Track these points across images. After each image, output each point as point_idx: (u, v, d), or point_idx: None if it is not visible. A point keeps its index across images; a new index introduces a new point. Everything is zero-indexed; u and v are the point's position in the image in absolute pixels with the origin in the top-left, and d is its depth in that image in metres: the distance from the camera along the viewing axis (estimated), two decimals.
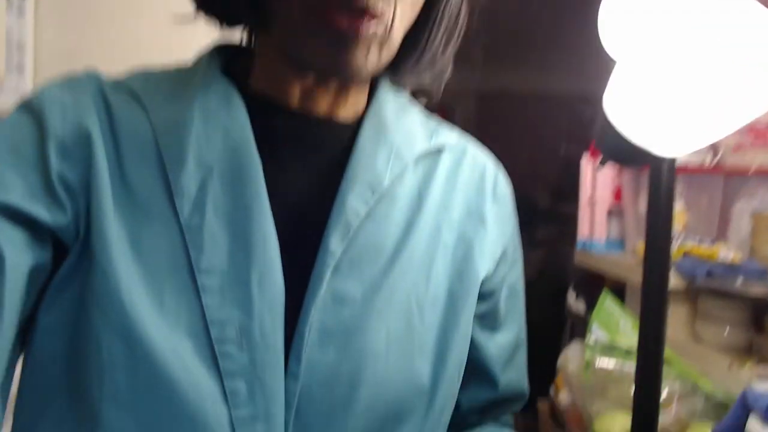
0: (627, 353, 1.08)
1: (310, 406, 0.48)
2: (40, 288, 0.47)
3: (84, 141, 0.48)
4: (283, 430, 0.47)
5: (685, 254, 1.28)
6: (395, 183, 0.54)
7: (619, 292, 1.45)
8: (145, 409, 0.45)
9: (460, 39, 0.58)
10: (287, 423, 0.47)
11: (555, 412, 1.22)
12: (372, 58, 0.49)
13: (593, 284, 1.67)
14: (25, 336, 0.48)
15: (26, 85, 1.27)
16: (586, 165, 1.48)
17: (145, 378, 0.44)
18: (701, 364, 1.14)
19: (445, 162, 0.59)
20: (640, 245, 1.29)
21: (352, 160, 0.53)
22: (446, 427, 0.57)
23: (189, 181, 0.48)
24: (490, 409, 0.65)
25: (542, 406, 1.37)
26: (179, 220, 0.48)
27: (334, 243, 0.50)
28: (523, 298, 0.66)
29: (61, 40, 1.30)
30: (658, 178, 0.64)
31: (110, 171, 0.48)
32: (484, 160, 0.63)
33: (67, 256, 0.47)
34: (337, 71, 0.50)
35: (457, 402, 0.58)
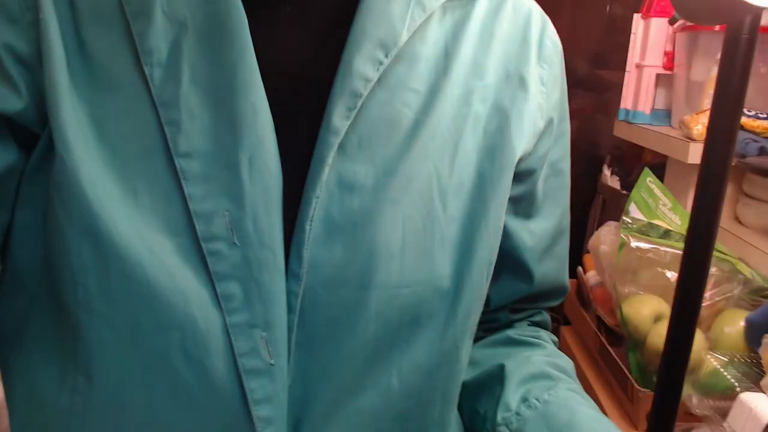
0: (664, 234, 1.02)
1: (314, 310, 0.42)
2: (15, 191, 0.41)
3: (31, 0, 0.39)
4: (286, 337, 0.42)
5: (739, 127, 1.18)
6: (415, 38, 0.45)
7: (659, 169, 1.36)
8: (122, 318, 0.39)
9: None
10: (290, 330, 0.42)
11: (581, 292, 1.19)
12: None
13: (631, 159, 1.58)
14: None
15: None
16: (638, 24, 1.33)
17: (120, 283, 0.39)
18: (741, 247, 1.08)
19: (480, 11, 0.49)
20: (689, 118, 1.18)
21: (360, 10, 0.43)
22: (473, 335, 0.51)
23: (158, 40, 0.40)
24: (523, 306, 0.59)
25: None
26: (150, 91, 0.40)
27: (338, 118, 0.42)
28: (568, 177, 0.58)
29: None
30: (737, 35, 0.54)
31: (63, 34, 0.39)
32: (529, 8, 0.52)
33: (36, 144, 0.41)
34: None
35: (487, 302, 0.52)
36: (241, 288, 0.40)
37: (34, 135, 0.41)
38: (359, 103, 0.42)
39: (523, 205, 0.54)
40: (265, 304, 0.41)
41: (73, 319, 0.40)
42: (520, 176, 0.51)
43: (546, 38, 0.52)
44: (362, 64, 0.42)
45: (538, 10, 0.53)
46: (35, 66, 0.39)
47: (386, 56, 0.43)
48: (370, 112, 0.43)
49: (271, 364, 0.41)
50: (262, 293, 0.40)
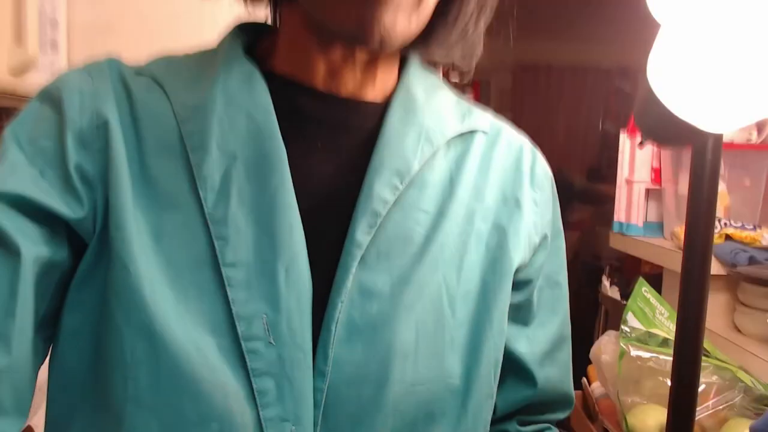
0: (663, 343, 1.03)
1: (337, 405, 0.46)
2: (58, 285, 0.46)
3: (103, 130, 0.46)
4: (312, 430, 0.45)
5: (727, 238, 1.22)
6: (425, 168, 0.51)
7: (656, 278, 1.39)
8: (168, 410, 0.43)
9: (492, 12, 0.53)
10: (315, 424, 0.45)
11: (587, 404, 1.18)
12: (401, 22, 0.45)
13: (629, 269, 1.61)
14: (50, 339, 0.47)
15: (61, 62, 1.26)
16: (624, 142, 1.42)
17: (169, 378, 0.43)
18: (741, 355, 1.09)
19: (479, 145, 0.55)
20: (679, 229, 1.23)
21: (380, 144, 0.50)
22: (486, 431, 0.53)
23: (213, 169, 0.46)
24: (530, 418, 0.61)
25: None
26: (203, 211, 0.45)
27: (361, 233, 0.47)
28: (565, 289, 0.61)
29: (93, 15, 1.28)
30: (703, 156, 0.59)
31: (129, 161, 0.46)
32: (521, 143, 0.59)
33: (85, 252, 0.46)
34: (363, 36, 0.45)
35: (494, 406, 0.54)
36: (275, 384, 0.44)
37: (83, 244, 0.46)
38: (379, 221, 0.48)
39: (522, 312, 0.58)
40: (295, 400, 0.44)
41: (119, 412, 0.43)
42: (518, 285, 0.56)
43: (537, 167, 0.59)
44: (382, 188, 0.48)
45: (528, 144, 0.60)
46: (97, 185, 0.45)
47: (401, 183, 0.49)
48: (388, 229, 0.48)
49: None
50: (293, 389, 0.44)
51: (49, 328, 0.46)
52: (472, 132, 0.55)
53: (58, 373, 0.47)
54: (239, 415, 0.43)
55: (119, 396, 0.43)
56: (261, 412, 0.44)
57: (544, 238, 0.57)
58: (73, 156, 0.45)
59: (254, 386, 0.44)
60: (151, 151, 0.47)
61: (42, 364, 0.47)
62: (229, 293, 0.44)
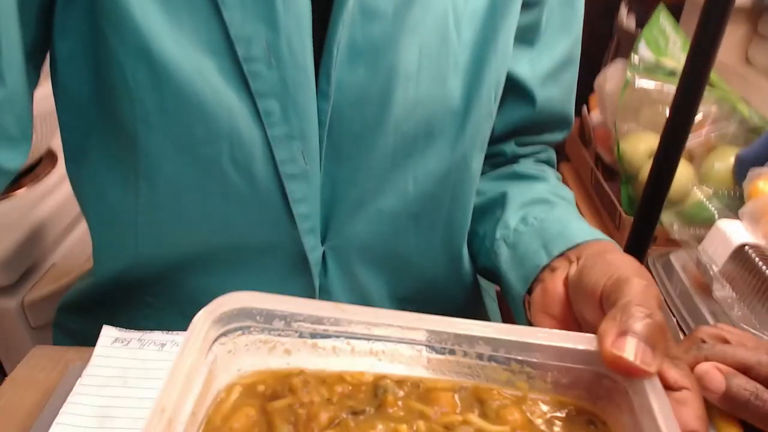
0: (670, 74, 1.03)
1: (341, 125, 0.47)
2: (41, 9, 0.44)
3: None
4: (318, 148, 0.47)
5: None
6: None
7: (677, 8, 1.33)
8: (178, 130, 0.44)
9: None
10: (321, 141, 0.47)
11: (583, 131, 1.22)
12: None
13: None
14: (40, 66, 0.47)
15: None
16: None
17: (173, 99, 0.43)
18: (747, 88, 1.09)
19: None
20: None
21: None
22: (483, 149, 0.56)
23: None
24: (528, 139, 0.62)
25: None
26: None
27: None
28: (580, 11, 0.58)
29: None
30: None
31: None
32: None
33: None
34: None
35: (492, 129, 0.56)
36: (279, 105, 0.45)
37: None
38: None
39: (528, 34, 0.56)
40: (300, 119, 0.45)
41: (132, 132, 0.45)
42: (528, 5, 0.54)
43: None
44: None
45: None
46: None
47: None
48: None
49: (307, 170, 0.47)
50: (297, 109, 0.45)
51: (38, 56, 0.46)
52: None
53: (63, 100, 0.48)
54: (247, 134, 0.45)
55: (128, 118, 0.45)
56: (268, 131, 0.45)
57: None
58: None
59: (259, 107, 0.45)
60: None
61: (35, 89, 0.48)
62: (223, 14, 0.42)
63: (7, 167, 0.45)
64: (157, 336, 0.47)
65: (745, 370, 0.40)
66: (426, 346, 0.31)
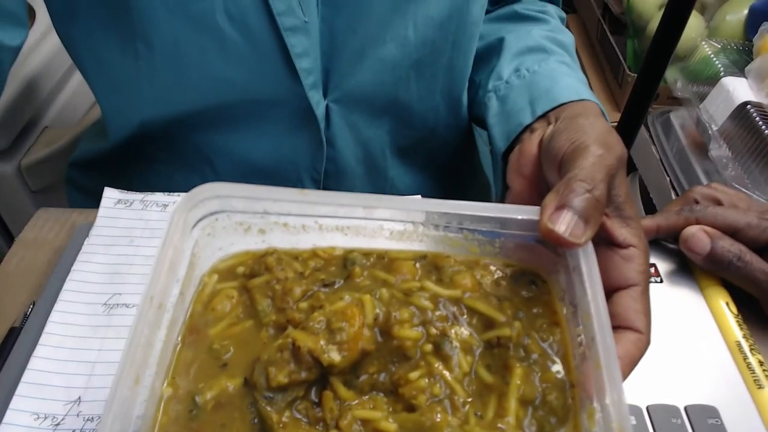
0: None
1: None
2: None
3: None
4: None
5: None
6: None
7: None
8: None
9: None
10: None
11: None
12: None
13: None
14: None
15: None
16: None
17: None
18: None
19: None
20: None
21: None
22: None
23: None
24: None
25: None
26: None
27: None
28: None
29: None
30: None
31: None
32: None
33: None
34: None
35: None
36: None
37: None
38: None
39: None
40: None
41: None
42: None
43: None
44: None
45: None
46: None
47: None
48: None
49: (306, 22, 0.46)
50: None
51: None
52: None
53: None
54: None
55: None
56: None
57: None
58: None
59: None
60: None
61: None
62: None
63: (10, 44, 0.44)
64: (159, 197, 0.48)
65: (734, 232, 0.42)
66: (387, 220, 0.33)
